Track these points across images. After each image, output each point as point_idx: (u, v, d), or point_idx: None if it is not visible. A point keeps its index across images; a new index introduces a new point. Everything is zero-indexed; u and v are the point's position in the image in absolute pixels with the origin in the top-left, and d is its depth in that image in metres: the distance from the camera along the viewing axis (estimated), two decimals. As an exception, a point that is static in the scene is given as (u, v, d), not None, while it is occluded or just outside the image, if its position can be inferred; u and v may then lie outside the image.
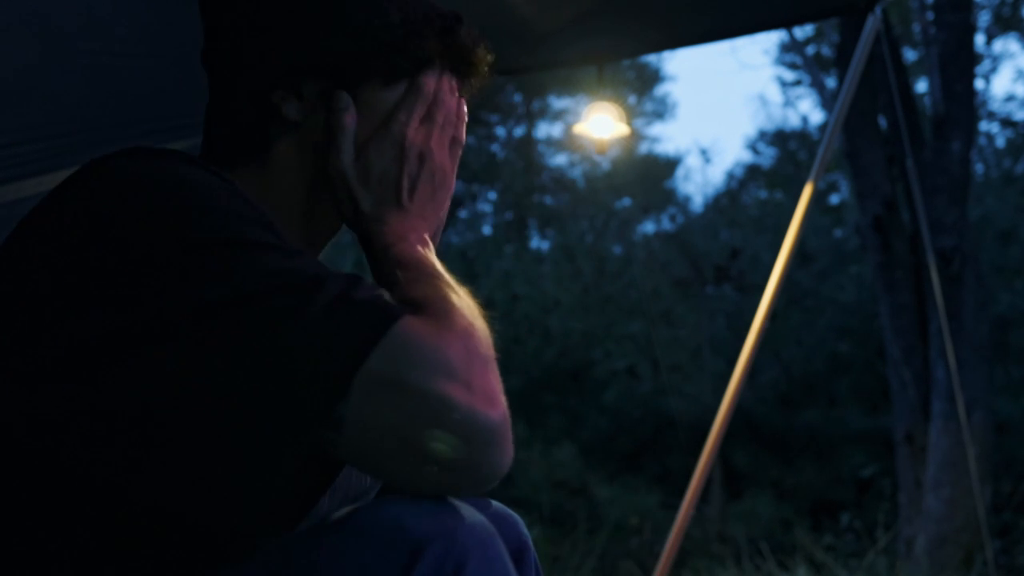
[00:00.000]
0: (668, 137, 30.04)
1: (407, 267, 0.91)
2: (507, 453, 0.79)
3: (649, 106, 15.82)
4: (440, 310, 0.83)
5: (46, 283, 0.79)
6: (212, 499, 0.82)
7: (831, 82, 9.29)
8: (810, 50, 10.91)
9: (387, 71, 0.99)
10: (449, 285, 0.88)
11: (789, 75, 13.01)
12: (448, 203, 1.02)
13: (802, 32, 10.41)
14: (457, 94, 1.04)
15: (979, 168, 12.51)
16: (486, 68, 1.05)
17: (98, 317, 0.77)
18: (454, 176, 1.04)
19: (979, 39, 10.36)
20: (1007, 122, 12.44)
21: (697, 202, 16.77)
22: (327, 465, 0.92)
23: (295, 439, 0.77)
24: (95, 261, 0.78)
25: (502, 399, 0.80)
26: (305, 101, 0.97)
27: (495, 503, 1.09)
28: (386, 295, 0.82)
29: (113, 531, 0.79)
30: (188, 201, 0.81)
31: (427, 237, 0.97)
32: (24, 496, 0.79)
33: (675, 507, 2.99)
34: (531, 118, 15.26)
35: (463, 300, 0.87)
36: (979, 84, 11.63)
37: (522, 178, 13.95)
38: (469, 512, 0.78)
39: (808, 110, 21.10)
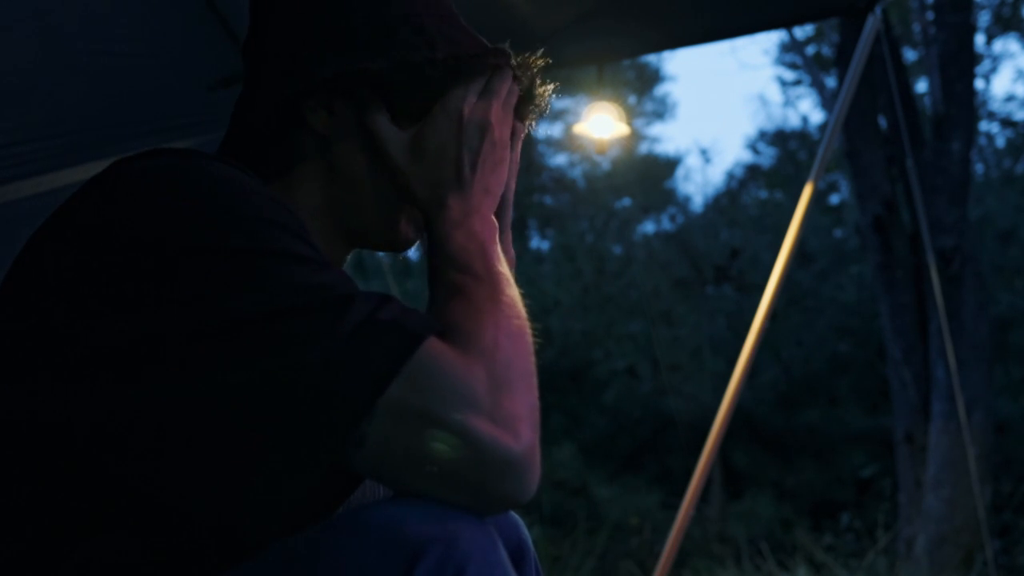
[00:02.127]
0: (668, 137, 30.02)
1: (458, 265, 0.88)
2: (528, 483, 0.79)
3: (649, 106, 15.84)
4: (471, 331, 0.81)
5: (72, 286, 0.78)
6: (231, 504, 0.82)
7: (831, 82, 9.30)
8: (810, 50, 10.91)
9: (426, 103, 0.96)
10: (494, 295, 0.86)
11: (789, 75, 13.04)
12: (505, 179, 0.97)
13: (802, 32, 10.42)
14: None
15: (979, 168, 12.54)
16: (544, 100, 1.02)
17: (126, 322, 0.76)
18: (511, 153, 0.99)
19: (979, 39, 10.38)
20: (1007, 122, 12.46)
21: (697, 202, 16.81)
22: (349, 475, 0.92)
23: (315, 454, 0.78)
24: (123, 265, 0.77)
25: (528, 428, 0.79)
26: (336, 117, 0.95)
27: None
28: (413, 316, 0.80)
29: (130, 530, 0.80)
30: (220, 205, 0.80)
31: (492, 217, 0.94)
32: (45, 495, 0.79)
33: (675, 507, 2.99)
34: (531, 118, 15.23)
35: (503, 314, 0.84)
36: (979, 84, 11.66)
37: (522, 178, 13.89)
38: (470, 515, 0.78)
39: (808, 110, 21.10)
